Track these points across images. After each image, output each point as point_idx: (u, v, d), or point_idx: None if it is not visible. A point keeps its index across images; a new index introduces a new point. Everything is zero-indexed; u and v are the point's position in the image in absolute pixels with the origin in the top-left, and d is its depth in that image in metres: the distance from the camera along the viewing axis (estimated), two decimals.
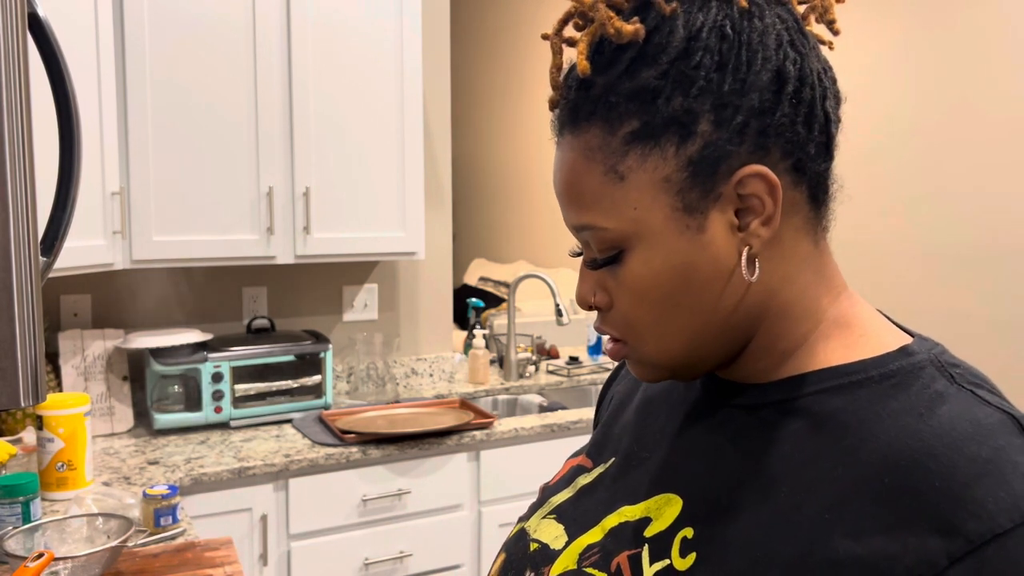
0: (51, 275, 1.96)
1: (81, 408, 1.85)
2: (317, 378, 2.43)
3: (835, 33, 0.63)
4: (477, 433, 2.30)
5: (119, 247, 2.14)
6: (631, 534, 0.62)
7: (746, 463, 0.59)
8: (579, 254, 0.66)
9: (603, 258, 0.61)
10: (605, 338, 0.65)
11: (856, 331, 0.61)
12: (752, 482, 0.58)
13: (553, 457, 2.41)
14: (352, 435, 2.19)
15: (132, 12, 2.12)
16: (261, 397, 2.36)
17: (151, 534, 1.66)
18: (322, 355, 2.43)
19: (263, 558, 2.08)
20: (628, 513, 0.64)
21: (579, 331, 4.19)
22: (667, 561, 0.58)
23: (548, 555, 0.67)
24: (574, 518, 0.68)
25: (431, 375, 2.90)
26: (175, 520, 1.70)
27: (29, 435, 2.11)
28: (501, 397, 2.83)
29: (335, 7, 2.35)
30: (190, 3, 2.18)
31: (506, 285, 5.13)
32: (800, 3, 0.62)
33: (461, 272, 6.15)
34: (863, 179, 3.26)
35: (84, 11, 1.99)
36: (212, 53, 2.21)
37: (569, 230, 0.62)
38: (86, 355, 2.27)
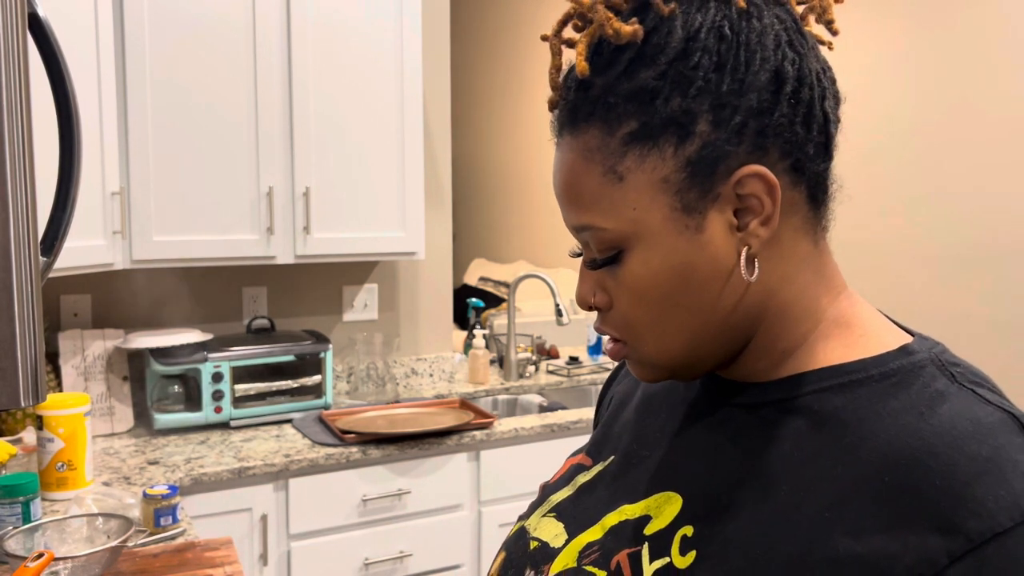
0: (51, 275, 1.96)
1: (81, 408, 1.85)
2: (317, 378, 2.43)
3: (834, 33, 0.63)
4: (477, 433, 2.31)
5: (119, 247, 2.14)
6: (631, 532, 0.62)
7: (746, 462, 0.59)
8: (579, 254, 0.66)
9: (602, 258, 0.61)
10: (605, 338, 0.65)
11: (856, 330, 0.61)
12: (752, 480, 0.58)
13: (553, 457, 2.41)
14: (352, 435, 2.19)
15: (132, 12, 2.12)
16: (261, 397, 2.36)
17: (151, 534, 1.66)
18: (322, 355, 2.43)
19: (263, 558, 2.08)
20: (628, 511, 0.64)
21: (579, 331, 4.19)
22: (667, 559, 0.58)
23: (548, 553, 0.67)
24: (574, 516, 0.69)
25: (431, 375, 2.90)
26: (175, 520, 1.70)
27: (29, 435, 2.11)
28: (501, 397, 2.83)
29: (335, 7, 2.35)
30: (190, 3, 2.18)
31: (506, 285, 5.13)
32: (799, 3, 0.62)
33: (461, 272, 6.15)
34: (863, 179, 3.26)
35: (84, 11, 1.99)
36: (212, 53, 2.21)
37: (569, 231, 0.62)
38: (86, 355, 2.27)
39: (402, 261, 2.83)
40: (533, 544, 0.69)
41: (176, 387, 2.29)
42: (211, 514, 2.01)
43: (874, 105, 3.22)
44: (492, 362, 3.11)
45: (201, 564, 1.52)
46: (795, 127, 0.58)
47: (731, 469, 0.60)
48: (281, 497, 2.10)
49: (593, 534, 0.65)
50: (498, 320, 3.50)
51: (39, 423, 1.83)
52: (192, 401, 2.29)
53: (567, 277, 4.77)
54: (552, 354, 3.20)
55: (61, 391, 2.22)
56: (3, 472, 1.78)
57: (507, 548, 0.72)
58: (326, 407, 2.46)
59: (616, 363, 0.92)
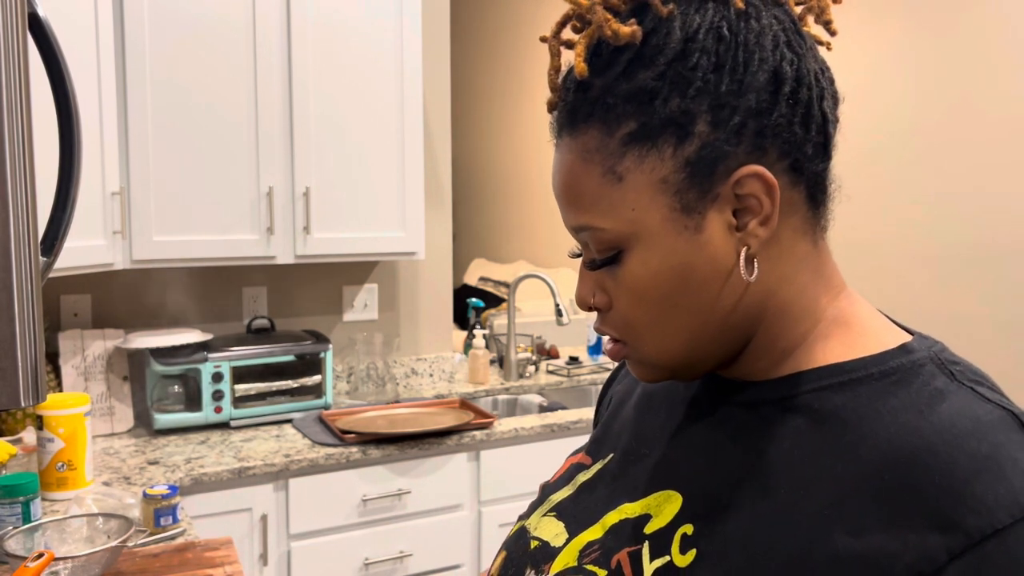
0: (51, 275, 1.96)
1: (81, 408, 1.85)
2: (317, 378, 2.43)
3: (832, 34, 0.64)
4: (477, 433, 2.31)
5: (119, 247, 2.14)
6: (631, 531, 0.62)
7: (746, 460, 0.59)
8: (578, 255, 0.66)
9: (602, 259, 0.61)
10: (605, 339, 0.65)
11: (855, 330, 0.61)
12: (752, 479, 0.58)
13: (553, 457, 2.42)
14: (352, 435, 2.19)
15: (132, 12, 2.12)
16: (261, 397, 2.36)
17: (151, 534, 1.66)
18: (322, 355, 2.43)
19: (263, 558, 2.08)
20: (628, 510, 0.64)
21: (579, 331, 4.19)
22: (667, 558, 0.58)
23: (548, 553, 0.67)
24: (574, 515, 0.69)
25: (431, 375, 2.90)
26: (175, 520, 1.70)
27: (29, 435, 2.11)
28: (501, 397, 2.83)
29: (335, 7, 2.35)
30: (190, 3, 2.18)
31: (506, 285, 5.13)
32: (797, 4, 0.62)
33: (461, 272, 6.15)
34: (863, 179, 3.26)
35: (84, 11, 2.00)
36: (212, 53, 2.21)
37: (568, 231, 0.62)
38: (86, 355, 2.27)
39: (402, 261, 2.83)
40: (533, 543, 0.69)
41: (176, 387, 2.29)
42: (211, 514, 2.01)
43: (874, 105, 3.22)
44: (492, 362, 3.11)
45: (201, 564, 1.52)
46: (794, 127, 0.58)
47: (731, 467, 0.60)
48: (281, 497, 2.10)
49: (593, 533, 0.65)
50: (498, 320, 3.50)
51: (39, 423, 1.83)
52: (192, 401, 2.29)
53: (567, 277, 4.77)
54: (552, 354, 3.20)
55: (61, 391, 2.22)
56: (3, 472, 1.78)
57: (507, 548, 0.73)
58: (326, 407, 2.46)
59: (616, 363, 0.92)
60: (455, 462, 2.30)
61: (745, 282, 0.59)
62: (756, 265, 0.59)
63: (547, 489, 0.75)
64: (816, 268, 0.62)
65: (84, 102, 2.00)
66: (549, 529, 0.69)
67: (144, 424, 2.36)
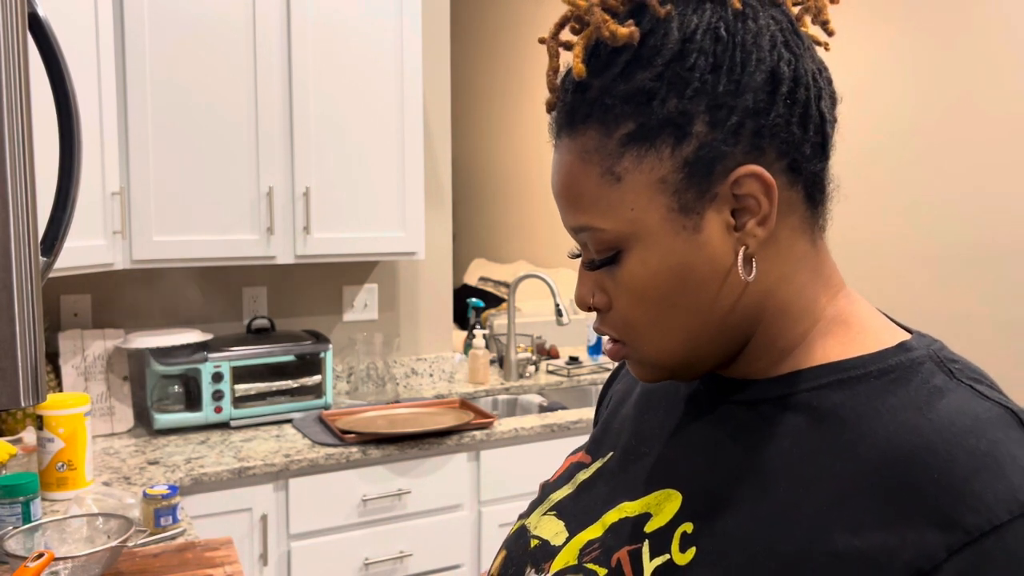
0: (51, 275, 1.96)
1: (81, 408, 1.85)
2: (317, 378, 2.43)
3: (830, 34, 0.64)
4: (477, 433, 2.31)
5: (119, 247, 2.14)
6: (631, 529, 0.62)
7: (745, 458, 0.59)
8: (578, 255, 0.66)
9: (601, 259, 0.61)
10: (605, 339, 0.65)
11: (854, 328, 0.61)
12: (751, 477, 0.58)
13: (553, 457, 2.42)
14: (352, 435, 2.19)
15: (132, 12, 2.12)
16: (261, 397, 2.36)
17: (151, 534, 1.66)
18: (322, 355, 2.43)
19: (263, 558, 2.08)
20: (628, 509, 0.64)
21: (579, 331, 4.19)
22: (667, 556, 0.59)
23: (548, 551, 0.67)
24: (574, 514, 0.69)
25: (431, 375, 2.90)
26: (175, 520, 1.70)
27: (29, 435, 2.11)
28: (501, 397, 2.83)
29: (335, 7, 2.35)
30: (190, 3, 2.18)
31: (506, 285, 5.13)
32: (794, 4, 0.62)
33: (461, 272, 6.15)
34: (863, 179, 3.26)
35: (84, 11, 2.00)
36: (212, 53, 2.21)
37: (568, 231, 0.63)
38: (86, 355, 2.27)
39: (402, 261, 2.83)
40: (534, 542, 0.70)
41: (176, 387, 2.29)
42: (211, 514, 2.01)
43: (873, 105, 3.22)
44: (492, 362, 3.11)
45: (201, 564, 1.52)
46: (791, 127, 0.58)
47: (730, 466, 0.60)
48: (281, 497, 2.10)
49: (593, 532, 0.65)
50: (498, 320, 3.50)
51: (39, 423, 1.83)
52: (192, 401, 2.29)
53: (567, 277, 4.77)
54: (552, 354, 3.20)
55: (61, 391, 2.22)
56: (3, 472, 1.78)
57: (508, 547, 0.73)
58: (326, 407, 2.46)
59: (616, 363, 0.92)
60: (455, 462, 2.30)
61: (744, 282, 0.59)
62: (754, 265, 0.59)
63: (547, 488, 0.76)
64: (815, 267, 0.62)
65: (84, 102, 2.00)
66: (549, 528, 0.69)
67: (144, 424, 2.36)
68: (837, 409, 0.57)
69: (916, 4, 3.07)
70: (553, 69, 0.62)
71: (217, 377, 2.27)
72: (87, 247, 2.02)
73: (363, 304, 2.78)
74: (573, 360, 3.07)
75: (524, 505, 0.75)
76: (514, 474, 2.38)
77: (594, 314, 0.68)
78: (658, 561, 0.59)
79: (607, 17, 0.57)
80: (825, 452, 0.56)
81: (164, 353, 2.24)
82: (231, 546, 1.60)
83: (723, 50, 0.57)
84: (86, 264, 2.02)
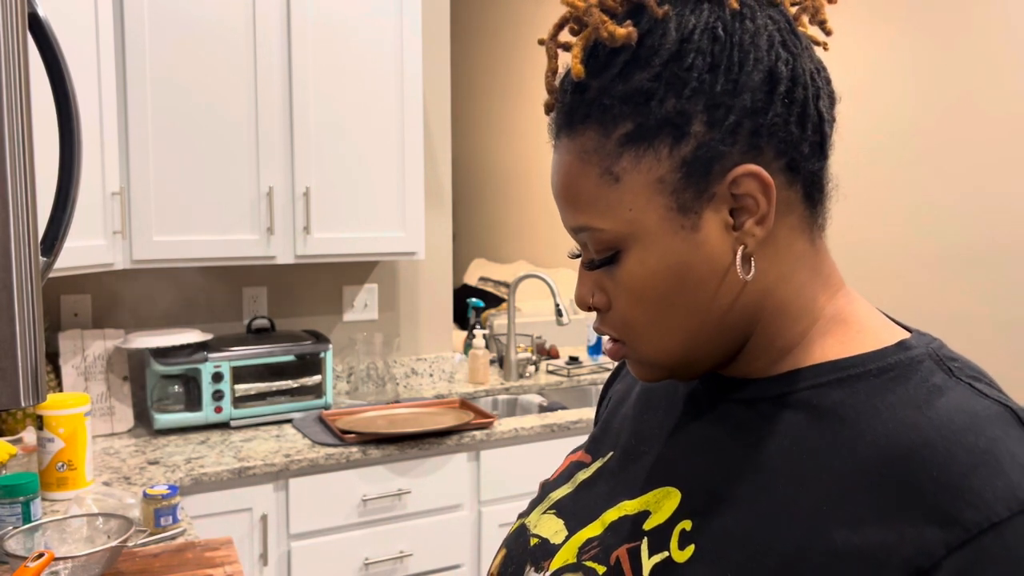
0: (51, 275, 1.96)
1: (81, 408, 1.85)
2: (317, 378, 2.44)
3: (827, 33, 0.64)
4: (477, 433, 2.31)
5: (119, 247, 2.14)
6: (630, 527, 0.63)
7: (744, 456, 0.60)
8: (578, 256, 0.67)
9: (600, 259, 0.61)
10: (605, 338, 0.65)
11: (854, 327, 0.61)
12: (750, 474, 0.58)
13: (553, 457, 2.42)
14: (352, 435, 2.19)
15: (132, 12, 2.12)
16: (261, 397, 2.36)
17: (151, 534, 1.66)
18: (322, 355, 2.43)
19: (263, 558, 2.08)
20: (627, 507, 0.65)
21: (579, 331, 4.19)
22: (666, 553, 0.59)
23: (548, 550, 0.67)
24: (573, 513, 0.69)
25: (431, 375, 2.90)
26: (175, 520, 1.70)
27: (29, 435, 2.12)
28: (501, 397, 2.83)
29: (335, 7, 2.35)
30: (190, 3, 2.18)
31: (506, 285, 5.13)
32: (792, 4, 0.63)
33: (461, 272, 6.15)
34: (863, 179, 3.26)
35: (84, 11, 2.00)
36: (212, 53, 2.21)
37: (567, 231, 0.63)
38: (86, 355, 2.27)
39: (402, 261, 2.83)
40: (533, 541, 0.70)
41: (176, 387, 2.29)
42: (211, 514, 2.02)
43: (873, 105, 3.22)
44: (492, 362, 3.11)
45: (201, 564, 1.52)
46: (789, 127, 0.58)
47: (729, 464, 0.60)
48: (281, 497, 2.10)
49: (593, 530, 0.65)
50: (498, 320, 3.50)
51: (39, 423, 1.83)
52: (192, 401, 2.29)
53: (567, 277, 4.77)
54: (552, 354, 3.20)
55: (61, 391, 2.22)
56: (3, 472, 1.78)
57: (507, 545, 0.73)
58: (326, 407, 2.46)
59: (616, 364, 0.93)
60: (455, 462, 2.30)
61: (742, 281, 0.59)
62: (753, 264, 0.59)
63: (547, 487, 0.76)
64: (814, 267, 0.62)
65: (84, 102, 2.01)
66: (549, 527, 0.70)
67: (144, 424, 2.36)
68: (836, 407, 0.57)
69: (916, 4, 3.07)
70: (552, 70, 0.62)
71: (217, 377, 2.27)
72: (87, 247, 2.02)
73: (363, 304, 2.78)
74: (573, 360, 3.07)
75: (524, 505, 0.75)
76: (514, 474, 2.38)
77: (594, 314, 0.68)
78: (657, 559, 0.59)
79: (605, 18, 0.58)
80: (824, 450, 0.56)
81: (164, 353, 2.24)
82: (231, 546, 1.60)
83: (721, 50, 0.57)
84: (86, 264, 2.02)
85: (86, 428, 1.86)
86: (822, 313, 0.62)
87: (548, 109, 0.63)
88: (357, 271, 2.77)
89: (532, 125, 5.62)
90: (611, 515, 0.65)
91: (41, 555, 1.28)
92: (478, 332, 2.89)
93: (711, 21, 0.57)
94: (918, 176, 3.10)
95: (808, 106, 0.59)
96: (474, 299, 3.27)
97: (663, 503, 0.62)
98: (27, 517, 1.60)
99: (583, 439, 0.86)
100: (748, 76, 0.57)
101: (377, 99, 2.44)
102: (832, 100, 0.62)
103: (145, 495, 1.69)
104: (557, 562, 0.65)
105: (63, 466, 1.83)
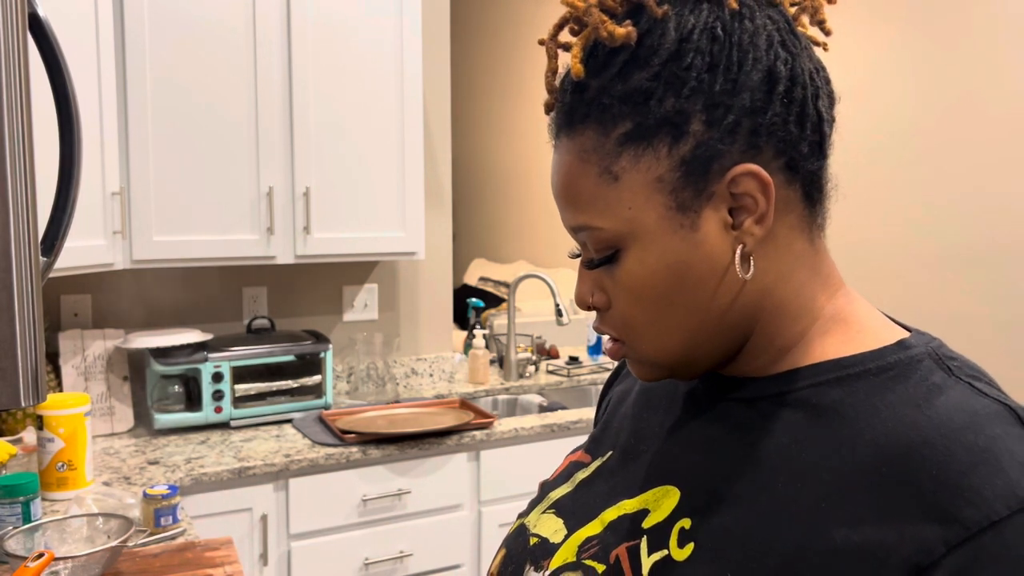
0: (51, 275, 1.96)
1: (81, 408, 1.85)
2: (317, 378, 2.44)
3: (826, 33, 0.64)
4: (477, 433, 2.31)
5: (119, 247, 2.15)
6: (629, 526, 0.63)
7: (744, 454, 0.60)
8: (578, 255, 0.67)
9: (600, 258, 0.61)
10: (605, 338, 0.66)
11: (853, 327, 0.61)
12: (750, 473, 0.58)
13: (553, 457, 2.42)
14: (352, 435, 2.19)
15: (132, 12, 2.12)
16: (261, 397, 2.36)
17: (151, 534, 1.66)
18: (322, 355, 2.43)
19: (263, 558, 2.08)
20: (626, 506, 0.65)
21: (579, 331, 4.19)
22: (665, 552, 0.59)
23: (548, 549, 0.67)
24: (573, 512, 0.69)
25: (431, 375, 2.90)
26: (175, 520, 1.70)
27: (29, 435, 2.12)
28: (501, 397, 2.83)
29: (335, 7, 2.36)
30: (190, 3, 2.18)
31: (506, 285, 5.13)
32: (791, 4, 0.63)
33: (461, 272, 6.15)
34: (863, 179, 3.26)
35: (84, 11, 2.00)
36: (212, 53, 2.22)
37: (567, 231, 0.63)
38: (86, 355, 2.27)
39: (402, 261, 2.83)
40: (533, 540, 0.70)
41: (176, 387, 2.29)
42: (211, 514, 2.02)
43: (873, 105, 3.22)
44: (492, 362, 3.11)
45: (201, 564, 1.52)
46: (788, 126, 0.58)
47: (729, 462, 0.60)
48: (281, 497, 2.10)
49: (592, 529, 0.66)
50: (498, 320, 3.50)
51: (39, 423, 1.84)
52: (192, 401, 2.29)
53: (567, 277, 4.77)
54: (552, 354, 3.20)
55: (61, 391, 2.22)
56: (3, 472, 1.78)
57: (507, 545, 0.73)
58: (326, 407, 2.46)
59: (616, 363, 0.93)
60: (455, 462, 2.30)
61: (741, 280, 0.59)
62: (752, 263, 0.59)
63: (546, 487, 0.76)
64: (813, 266, 0.62)
65: (84, 102, 2.01)
66: (548, 526, 0.70)
67: (144, 424, 2.36)
68: (836, 405, 0.57)
69: (916, 4, 3.08)
70: (551, 70, 0.62)
71: (217, 377, 2.27)
72: (87, 247, 2.02)
73: (363, 304, 2.78)
74: (573, 360, 3.07)
75: (524, 505, 0.75)
76: (514, 474, 2.38)
77: (594, 313, 0.68)
78: (656, 557, 0.59)
79: (605, 18, 0.58)
80: (823, 448, 0.56)
81: (164, 353, 2.24)
82: (231, 546, 1.60)
83: (720, 49, 0.57)
84: (86, 264, 2.02)
85: (86, 428, 1.86)
86: (821, 312, 0.62)
87: (548, 109, 0.63)
88: (357, 271, 2.77)
89: (532, 125, 5.62)
90: (610, 514, 0.65)
91: (41, 555, 1.28)
92: (478, 332, 2.89)
93: (710, 21, 0.57)
94: (918, 176, 3.10)
95: (807, 105, 0.59)
96: (474, 299, 3.27)
97: (662, 502, 0.62)
98: (27, 517, 1.60)
99: (583, 439, 0.86)
100: (747, 76, 0.57)
101: (377, 99, 2.44)
102: (831, 100, 0.62)
103: (145, 495, 1.69)
104: (556, 561, 0.65)
105: (63, 466, 1.83)
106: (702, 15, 0.57)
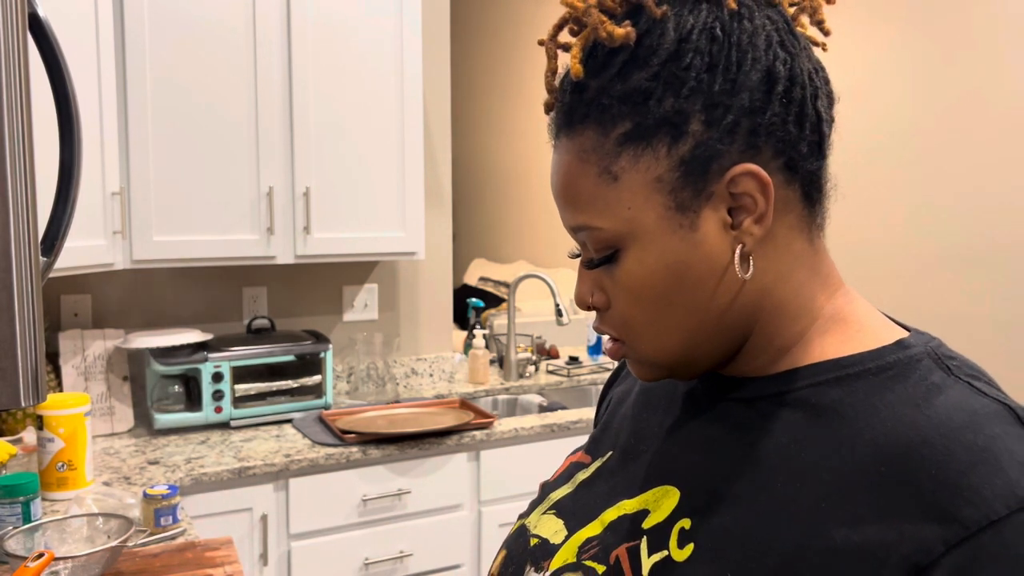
0: (51, 275, 1.96)
1: (81, 408, 1.85)
2: (317, 378, 2.44)
3: (825, 34, 0.64)
4: (477, 433, 2.31)
5: (119, 247, 2.15)
6: (629, 526, 0.63)
7: (743, 454, 0.60)
8: (578, 255, 0.67)
9: (599, 258, 0.61)
10: (605, 338, 0.66)
11: (853, 326, 0.62)
12: (749, 473, 0.58)
13: (553, 457, 2.42)
14: (352, 435, 2.19)
15: (132, 12, 2.12)
16: (261, 397, 2.36)
17: (151, 534, 1.66)
18: (322, 355, 2.43)
19: (263, 558, 2.08)
20: (626, 506, 0.65)
21: (579, 331, 4.19)
22: (665, 552, 0.59)
23: (548, 550, 0.67)
24: (573, 512, 0.69)
25: (431, 375, 2.90)
26: (175, 520, 1.70)
27: (29, 435, 2.12)
28: (501, 397, 2.83)
29: (335, 7, 2.36)
30: (190, 3, 2.18)
31: (506, 285, 5.13)
32: (790, 4, 0.63)
33: (461, 272, 6.15)
34: (863, 179, 3.26)
35: (84, 11, 2.00)
36: (212, 53, 2.22)
37: (567, 231, 0.63)
38: (86, 355, 2.27)
39: (402, 261, 2.83)
40: (533, 541, 0.70)
41: (176, 387, 2.29)
42: (211, 514, 2.02)
43: (873, 105, 3.22)
44: (492, 362, 3.11)
45: (201, 564, 1.53)
46: (787, 126, 0.58)
47: (728, 462, 0.60)
48: (281, 497, 2.10)
49: (592, 529, 0.66)
50: (498, 320, 3.50)
51: (39, 423, 1.84)
52: (192, 401, 2.29)
53: (567, 277, 4.77)
54: (552, 354, 3.20)
55: (61, 391, 2.22)
56: (3, 472, 1.78)
57: (508, 546, 0.73)
58: (326, 407, 2.46)
59: (616, 363, 0.93)
60: (455, 462, 2.30)
61: (741, 280, 0.59)
62: (751, 263, 0.59)
63: (547, 488, 0.76)
64: (812, 266, 0.62)
65: (84, 102, 2.01)
66: (548, 527, 0.70)
67: (144, 424, 2.36)
68: (835, 405, 0.57)
69: (916, 4, 3.08)
70: (551, 71, 0.62)
71: (217, 377, 2.27)
72: (87, 247, 2.02)
73: (363, 304, 2.78)
74: (573, 360, 3.07)
75: (524, 505, 0.75)
76: (514, 474, 2.38)
77: (594, 313, 0.68)
78: (656, 557, 0.59)
79: (604, 18, 0.58)
80: (823, 448, 0.56)
81: (164, 353, 2.24)
82: (231, 546, 1.60)
83: (719, 50, 0.57)
84: (86, 264, 2.02)
85: (86, 428, 1.86)
86: (821, 312, 0.62)
87: (548, 109, 0.63)
88: (357, 271, 2.77)
89: (532, 125, 5.62)
90: (610, 514, 0.65)
91: (41, 555, 1.29)
92: (478, 332, 2.89)
93: (709, 21, 0.57)
94: (918, 176, 3.10)
95: (806, 105, 0.59)
96: (474, 299, 3.27)
97: (662, 502, 0.62)
98: (27, 517, 1.60)
99: (583, 439, 0.86)
100: (746, 76, 0.57)
101: (377, 99, 2.44)
102: (830, 100, 0.62)
103: (145, 495, 1.69)
104: (557, 562, 0.65)
105: (63, 466, 1.83)
106: (701, 15, 0.58)
